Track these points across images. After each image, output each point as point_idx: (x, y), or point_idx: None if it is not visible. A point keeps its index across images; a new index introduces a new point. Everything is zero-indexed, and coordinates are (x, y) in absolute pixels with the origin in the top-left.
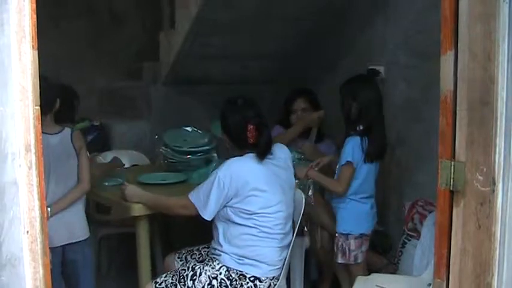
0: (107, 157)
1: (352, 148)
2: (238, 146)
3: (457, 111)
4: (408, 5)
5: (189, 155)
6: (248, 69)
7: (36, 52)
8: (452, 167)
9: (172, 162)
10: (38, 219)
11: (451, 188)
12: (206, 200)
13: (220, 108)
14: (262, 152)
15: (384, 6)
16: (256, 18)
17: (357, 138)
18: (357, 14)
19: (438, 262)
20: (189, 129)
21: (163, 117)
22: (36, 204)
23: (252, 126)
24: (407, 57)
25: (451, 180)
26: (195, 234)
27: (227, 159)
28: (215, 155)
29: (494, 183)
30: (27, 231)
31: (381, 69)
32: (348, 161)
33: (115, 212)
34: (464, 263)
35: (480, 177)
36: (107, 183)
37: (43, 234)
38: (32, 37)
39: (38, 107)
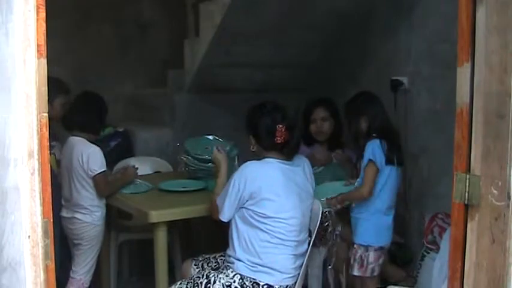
0: (130, 163)
1: (373, 149)
2: (264, 147)
3: (473, 124)
4: (432, 14)
5: (209, 163)
6: (272, 78)
7: (44, 60)
8: (467, 180)
9: (193, 169)
10: (40, 224)
11: (466, 202)
12: (223, 201)
13: (247, 112)
14: (291, 152)
15: (408, 15)
16: (279, 26)
17: (376, 140)
18: (380, 23)
19: (452, 276)
20: (210, 137)
21: (187, 125)
22: (38, 209)
23: (281, 126)
24: (431, 67)
25: (466, 194)
26: (216, 241)
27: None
28: (236, 163)
29: (509, 198)
30: (29, 236)
31: (404, 79)
32: (370, 159)
33: (136, 218)
34: (478, 278)
35: (495, 191)
36: (126, 191)
37: (47, 239)
38: (39, 45)
39: (46, 114)
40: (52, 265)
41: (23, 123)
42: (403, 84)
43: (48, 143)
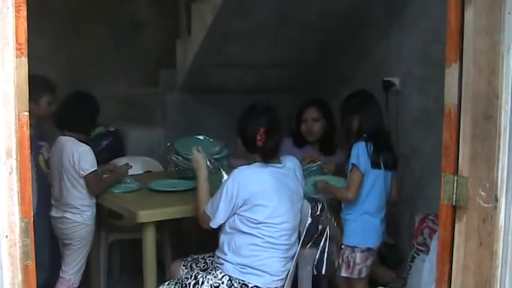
0: (120, 163)
1: (357, 152)
2: (248, 148)
3: (461, 125)
4: (424, 14)
5: None
6: (264, 79)
7: (25, 59)
8: (455, 182)
9: (183, 169)
10: (18, 224)
11: (454, 204)
12: (216, 209)
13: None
14: (268, 156)
15: (400, 16)
16: (271, 27)
17: (362, 144)
18: (372, 24)
19: (440, 279)
20: (201, 137)
21: (179, 125)
22: (16, 209)
23: (262, 129)
24: (423, 67)
25: (454, 196)
26: (206, 241)
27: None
28: (226, 163)
29: (496, 200)
30: (6, 236)
31: (396, 80)
32: (353, 163)
33: (126, 218)
34: (465, 281)
35: (483, 193)
36: (117, 190)
37: (28, 239)
38: (20, 44)
39: (27, 113)
40: (33, 265)
41: (1, 122)
42: (394, 85)
43: (30, 142)
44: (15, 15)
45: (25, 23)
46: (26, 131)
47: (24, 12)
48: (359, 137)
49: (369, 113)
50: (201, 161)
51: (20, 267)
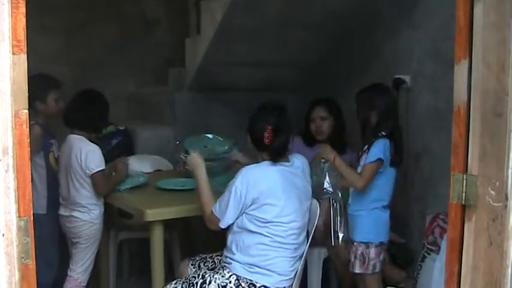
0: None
1: (384, 148)
2: (256, 146)
3: (470, 123)
4: (435, 11)
5: (208, 161)
6: (273, 77)
7: (24, 56)
8: (465, 180)
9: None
10: (15, 222)
11: (463, 202)
12: (225, 210)
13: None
14: (275, 155)
15: (410, 14)
16: (281, 25)
17: (387, 140)
18: (383, 22)
19: (449, 280)
20: (210, 136)
21: (188, 123)
22: (13, 207)
23: (269, 128)
24: (434, 65)
25: (463, 194)
26: (216, 240)
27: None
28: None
29: (506, 199)
30: (3, 234)
31: (407, 78)
32: (379, 158)
33: (136, 217)
34: (475, 281)
35: (492, 192)
36: (124, 187)
37: (28, 237)
38: (19, 41)
39: (26, 111)
40: (33, 264)
41: None
42: (405, 83)
43: (29, 140)
44: (13, 12)
45: (23, 20)
46: (26, 129)
47: (22, 9)
48: (377, 134)
49: (386, 110)
50: (197, 160)
51: (17, 266)
